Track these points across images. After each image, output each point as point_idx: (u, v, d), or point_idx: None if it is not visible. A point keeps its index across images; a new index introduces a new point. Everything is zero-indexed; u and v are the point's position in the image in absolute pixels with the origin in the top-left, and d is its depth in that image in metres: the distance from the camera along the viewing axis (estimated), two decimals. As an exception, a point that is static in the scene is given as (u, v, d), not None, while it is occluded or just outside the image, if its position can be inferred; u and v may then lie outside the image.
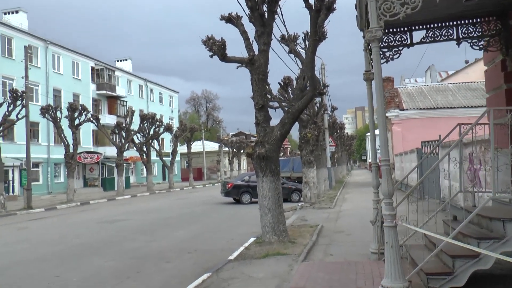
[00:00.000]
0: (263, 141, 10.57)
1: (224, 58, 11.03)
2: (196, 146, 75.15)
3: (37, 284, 8.58)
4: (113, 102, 55.35)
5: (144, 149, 44.10)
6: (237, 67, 11.23)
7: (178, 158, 70.17)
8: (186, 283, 7.80)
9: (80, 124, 32.89)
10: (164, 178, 64.03)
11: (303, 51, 15.04)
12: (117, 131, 39.69)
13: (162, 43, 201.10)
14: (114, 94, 54.28)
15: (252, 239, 11.49)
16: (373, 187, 8.97)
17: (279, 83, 19.75)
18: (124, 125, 39.67)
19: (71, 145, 31.52)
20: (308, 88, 10.74)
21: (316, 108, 24.79)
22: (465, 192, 9.92)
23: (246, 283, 7.33)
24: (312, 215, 17.17)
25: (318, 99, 25.69)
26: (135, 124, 42.66)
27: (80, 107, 32.63)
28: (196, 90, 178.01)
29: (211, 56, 11.17)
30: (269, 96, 19.78)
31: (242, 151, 77.70)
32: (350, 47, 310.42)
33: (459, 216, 9.43)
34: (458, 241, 5.99)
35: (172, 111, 75.65)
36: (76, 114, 32.25)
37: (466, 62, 55.42)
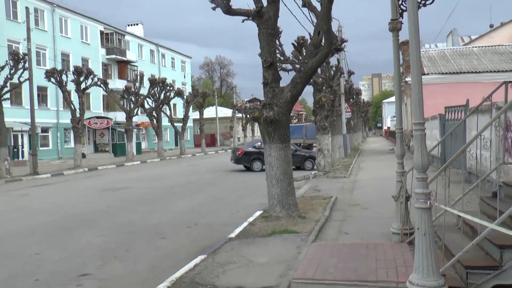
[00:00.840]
0: (272, 103, 9.34)
1: (228, 10, 9.70)
2: (209, 112, 74.18)
3: (12, 263, 7.58)
4: (124, 67, 54.13)
5: (155, 114, 43.02)
6: (243, 21, 9.93)
7: (190, 124, 69.32)
8: (178, 266, 6.73)
9: (86, 88, 31.80)
10: (176, 144, 63.19)
11: (318, 3, 13.58)
12: (126, 96, 38.56)
13: (177, 9, 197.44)
14: (124, 58, 52.94)
15: (258, 213, 10.40)
16: (397, 156, 7.76)
17: (293, 44, 18.31)
18: (133, 89, 38.53)
19: (78, 110, 30.54)
20: (323, 44, 9.41)
21: (332, 72, 23.35)
22: (507, 164, 8.61)
23: (244, 271, 6.22)
24: (325, 184, 16.03)
25: (334, 62, 24.21)
26: (146, 89, 41.48)
27: (86, 71, 31.45)
28: (210, 56, 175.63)
29: (214, 9, 9.88)
30: (282, 58, 18.44)
31: (256, 117, 76.50)
32: (366, 14, 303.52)
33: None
34: (508, 227, 4.76)
35: (184, 77, 74.29)
36: (82, 78, 31.12)
37: (491, 26, 52.73)
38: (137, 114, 39.96)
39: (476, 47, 35.94)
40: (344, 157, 28.28)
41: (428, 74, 29.76)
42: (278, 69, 19.35)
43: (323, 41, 9.68)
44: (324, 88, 20.40)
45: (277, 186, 9.32)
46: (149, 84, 40.42)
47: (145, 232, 9.70)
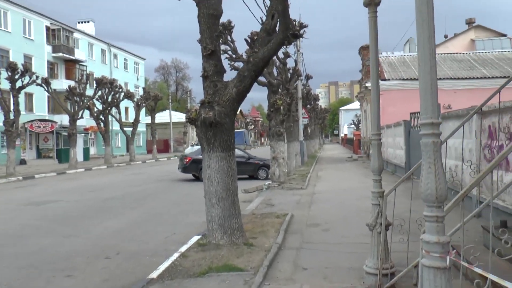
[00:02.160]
0: (212, 101, 7.43)
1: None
2: (164, 117, 71.66)
3: None
4: (71, 66, 50.90)
5: (102, 117, 40.25)
6: (180, -1, 8.00)
7: (143, 129, 66.51)
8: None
9: (23, 87, 28.89)
10: (128, 150, 60.36)
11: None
12: (70, 98, 35.70)
13: (136, 12, 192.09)
14: (72, 57, 49.69)
15: (196, 238, 8.39)
16: (373, 171, 5.99)
17: (246, 40, 16.54)
18: (78, 90, 35.77)
19: (12, 111, 27.67)
20: (278, 30, 7.59)
21: (289, 75, 21.68)
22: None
23: None
24: (280, 198, 14.21)
25: (291, 64, 22.53)
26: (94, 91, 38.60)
27: (21, 67, 28.60)
28: (166, 59, 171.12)
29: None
30: (234, 56, 16.64)
31: (211, 122, 74.51)
32: (325, 25, 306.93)
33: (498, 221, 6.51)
34: None
35: (138, 79, 71.35)
36: (17, 76, 28.24)
37: (446, 36, 53.49)
38: (82, 117, 37.20)
39: (436, 54, 35.15)
40: (301, 166, 26.63)
41: (388, 79, 28.60)
42: (230, 69, 17.55)
43: (278, 27, 7.85)
44: (280, 90, 18.67)
45: (217, 206, 7.39)
46: (95, 85, 37.63)
47: (51, 265, 7.53)
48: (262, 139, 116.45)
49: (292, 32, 7.35)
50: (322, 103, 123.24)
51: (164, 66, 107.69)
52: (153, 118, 52.20)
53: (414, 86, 29.01)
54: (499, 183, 8.69)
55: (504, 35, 50.09)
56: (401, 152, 18.67)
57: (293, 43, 28.23)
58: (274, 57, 20.74)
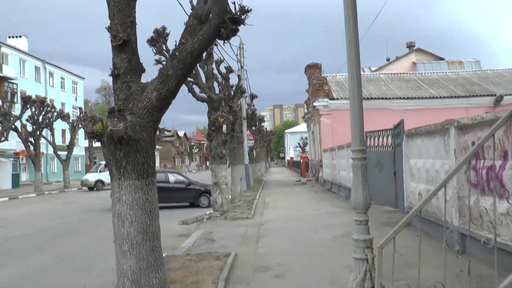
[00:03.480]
0: (124, 108, 5.38)
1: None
2: (104, 140, 68.06)
3: None
4: (-1, 84, 47.09)
5: (32, 140, 36.80)
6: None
7: (82, 152, 62.58)
8: None
9: None
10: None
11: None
12: (-8, 118, 32.39)
13: (78, 31, 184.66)
14: (0, 74, 45.97)
15: (105, 296, 6.23)
16: (356, 207, 4.11)
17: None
18: (2, 109, 32.51)
19: None
20: (212, 14, 5.69)
21: (232, 92, 19.88)
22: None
23: None
24: (222, 230, 12.16)
25: (234, 82, 20.73)
26: (27, 111, 35.21)
27: None
28: (107, 79, 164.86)
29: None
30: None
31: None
32: (270, 46, 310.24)
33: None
34: None
35: (76, 99, 67.54)
36: None
37: (388, 59, 54.31)
38: (7, 139, 33.87)
39: (383, 73, 34.56)
40: (247, 190, 24.68)
41: (337, 98, 27.37)
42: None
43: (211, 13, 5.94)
44: (222, 108, 16.79)
45: (130, 255, 5.27)
46: (22, 103, 34.29)
47: None
48: (208, 163, 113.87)
49: (230, 17, 5.47)
50: (267, 126, 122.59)
51: (105, 87, 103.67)
52: (90, 141, 48.93)
53: (364, 106, 27.81)
54: (490, 213, 7.06)
55: (442, 59, 51.28)
56: (344, 172, 17.09)
57: (236, 60, 26.64)
58: (216, 72, 18.92)
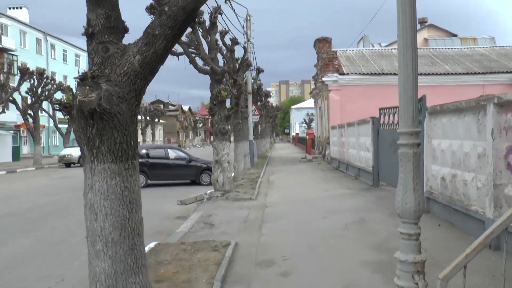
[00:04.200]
0: (99, 75, 4.35)
1: None
2: (107, 113, 67.19)
3: None
4: (-2, 55, 45.97)
5: (31, 112, 35.80)
6: None
7: (83, 125, 61.57)
8: None
9: None
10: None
11: None
12: (-11, 89, 31.37)
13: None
14: (-1, 45, 44.85)
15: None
16: (402, 214, 3.07)
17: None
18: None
19: None
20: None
21: (237, 65, 18.73)
22: None
23: None
24: (223, 213, 11.21)
25: (240, 54, 19.55)
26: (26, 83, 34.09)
27: None
28: None
29: None
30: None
31: (157, 120, 70.71)
32: (276, 23, 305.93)
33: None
34: None
35: (79, 72, 65.49)
36: None
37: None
38: (4, 111, 32.95)
39: (395, 49, 33.14)
40: (251, 168, 23.71)
41: (347, 74, 26.14)
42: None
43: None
44: (225, 80, 15.71)
45: (105, 256, 4.28)
46: (20, 75, 33.19)
47: None
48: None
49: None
50: (273, 101, 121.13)
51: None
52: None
53: (375, 81, 26.86)
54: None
55: (455, 35, 49.81)
56: (367, 154, 16.06)
57: (243, 33, 25.37)
58: (220, 43, 17.77)
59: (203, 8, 14.04)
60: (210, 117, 15.36)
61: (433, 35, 48.67)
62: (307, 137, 44.79)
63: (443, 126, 8.83)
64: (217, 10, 14.24)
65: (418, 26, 50.91)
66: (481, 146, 7.14)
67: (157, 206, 13.62)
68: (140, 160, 18.25)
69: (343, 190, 14.81)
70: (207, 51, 14.53)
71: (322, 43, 28.42)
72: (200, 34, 14.43)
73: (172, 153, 19.54)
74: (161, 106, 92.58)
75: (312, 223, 9.59)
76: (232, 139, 18.58)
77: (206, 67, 14.25)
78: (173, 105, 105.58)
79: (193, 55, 14.40)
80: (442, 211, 8.81)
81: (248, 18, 25.42)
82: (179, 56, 14.41)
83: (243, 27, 25.05)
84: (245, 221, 10.11)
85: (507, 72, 26.54)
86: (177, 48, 14.23)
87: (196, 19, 13.64)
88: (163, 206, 13.57)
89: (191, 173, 19.10)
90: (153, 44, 4.55)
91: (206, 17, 14.25)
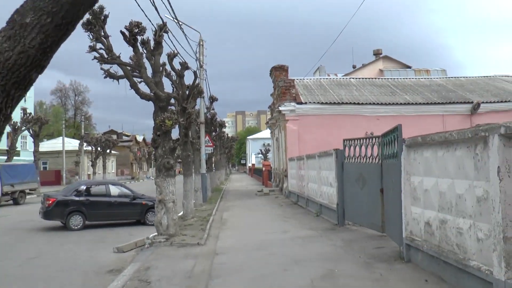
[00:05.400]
0: None
1: None
2: (57, 144, 64.12)
3: None
4: None
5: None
6: None
7: (30, 157, 58.09)
8: None
9: None
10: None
11: None
12: None
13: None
14: None
15: None
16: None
17: (122, 33, 11.86)
18: None
19: None
20: None
21: (187, 92, 17.09)
22: None
23: None
24: (164, 265, 9.33)
25: (189, 81, 17.90)
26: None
27: None
28: (64, 80, 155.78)
29: None
30: (107, 56, 12.03)
31: (109, 151, 67.65)
32: (233, 53, 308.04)
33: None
34: None
35: (25, 100, 62.70)
36: None
37: (354, 67, 53.02)
38: None
39: (353, 78, 32.47)
40: (203, 204, 21.85)
41: (305, 103, 24.93)
42: (103, 75, 12.64)
43: None
44: (173, 108, 14.04)
45: None
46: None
47: None
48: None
49: None
50: (229, 132, 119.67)
51: (61, 89, 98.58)
52: (36, 145, 45.05)
53: (334, 111, 25.70)
54: None
55: (409, 67, 50.20)
56: (330, 189, 14.58)
57: (195, 59, 23.85)
58: (168, 67, 16.19)
59: (147, 25, 12.46)
60: (153, 150, 13.56)
61: (388, 66, 48.82)
62: (264, 169, 43.38)
63: (426, 161, 7.40)
64: (162, 28, 12.61)
65: (373, 58, 51.16)
66: (481, 187, 5.70)
67: (90, 253, 11.66)
68: (77, 198, 16.25)
69: (304, 231, 13.18)
70: (150, 74, 12.86)
71: (279, 71, 27.26)
72: (144, 55, 12.78)
73: (114, 190, 17.47)
74: (114, 136, 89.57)
75: (271, 279, 7.87)
76: (177, 173, 16.78)
77: (150, 93, 12.54)
78: (127, 136, 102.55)
79: (139, 80, 12.69)
80: (428, 262, 7.31)
81: (201, 43, 23.98)
82: (119, 80, 12.64)
83: (196, 53, 23.58)
84: (189, 276, 8.28)
85: (465, 102, 26.06)
86: (118, 70, 12.49)
87: (138, 37, 11.99)
88: (96, 254, 11.58)
89: (135, 212, 17.07)
90: (21, 39, 2.86)
91: (150, 35, 12.62)
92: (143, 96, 12.49)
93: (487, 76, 32.12)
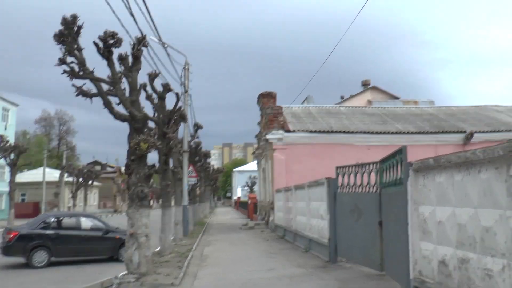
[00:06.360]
0: None
1: None
2: (38, 175, 62.05)
3: None
4: None
5: None
6: None
7: (5, 188, 56.01)
8: None
9: None
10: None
11: None
12: None
13: (33, 61, 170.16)
14: None
15: None
16: None
17: (96, 44, 10.70)
18: None
19: None
20: None
21: (169, 115, 15.92)
22: None
23: None
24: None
25: (170, 102, 16.75)
26: None
27: None
28: (49, 108, 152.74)
29: None
30: (80, 71, 10.89)
31: (91, 182, 65.63)
32: (220, 85, 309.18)
33: None
34: None
35: (6, 128, 60.89)
36: None
37: (342, 97, 52.54)
38: None
39: (343, 106, 31.65)
40: (183, 238, 20.40)
41: (294, 131, 23.84)
42: (75, 93, 11.40)
43: None
44: (149, 130, 12.85)
45: None
46: None
47: None
48: (151, 202, 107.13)
49: None
50: (216, 164, 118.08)
51: (46, 118, 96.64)
52: (13, 175, 43.20)
53: (324, 140, 24.63)
54: None
55: (397, 98, 49.80)
56: (320, 222, 13.33)
57: (180, 83, 22.82)
58: (149, 88, 15.18)
59: (124, 37, 11.33)
60: (126, 177, 12.26)
61: (376, 97, 48.34)
62: (249, 202, 42.01)
63: (439, 188, 6.25)
64: (141, 41, 11.50)
65: (362, 88, 50.77)
66: (516, 218, 4.55)
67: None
68: (43, 231, 14.72)
69: (293, 268, 11.86)
70: (127, 93, 11.72)
71: (267, 98, 26.28)
72: (121, 71, 11.66)
73: (86, 222, 16.02)
74: (99, 167, 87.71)
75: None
76: (155, 204, 15.41)
77: (125, 113, 11.35)
78: (112, 167, 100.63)
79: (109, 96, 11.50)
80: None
81: (187, 67, 22.96)
82: (91, 98, 11.44)
83: (180, 77, 22.56)
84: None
85: (458, 132, 25.26)
86: (92, 88, 11.31)
87: (113, 49, 10.84)
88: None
89: (107, 247, 15.58)
90: None
91: (128, 49, 11.49)
92: (117, 116, 11.29)
93: (478, 106, 31.51)
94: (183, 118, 17.55)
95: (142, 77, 26.48)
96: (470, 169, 5.49)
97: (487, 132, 25.28)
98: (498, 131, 25.20)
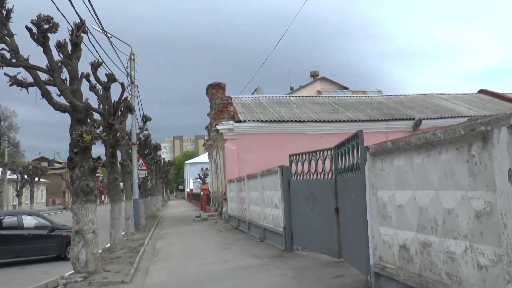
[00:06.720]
0: None
1: None
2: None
3: None
4: None
5: None
6: None
7: None
8: None
9: None
10: None
11: None
12: None
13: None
14: None
15: None
16: None
17: (29, 29, 9.97)
18: None
19: None
20: None
21: (115, 105, 15.26)
22: None
23: None
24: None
25: (116, 93, 16.05)
26: None
27: None
28: None
29: None
30: (12, 58, 10.12)
31: (37, 179, 63.14)
32: (170, 79, 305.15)
33: None
34: None
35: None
36: None
37: (291, 88, 52.81)
38: None
39: (294, 96, 31.57)
40: (135, 232, 19.78)
41: (244, 121, 23.52)
42: (9, 82, 10.65)
43: None
44: (92, 120, 12.18)
45: None
46: None
47: None
48: (103, 197, 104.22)
49: None
50: (167, 157, 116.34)
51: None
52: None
53: (275, 130, 24.41)
54: None
55: (346, 88, 50.34)
56: (275, 211, 13.11)
57: (126, 74, 22.03)
58: (92, 79, 14.45)
59: (62, 24, 10.62)
60: (69, 171, 11.59)
61: (325, 88, 48.67)
62: (202, 193, 41.58)
63: (398, 171, 6.08)
64: (80, 27, 10.84)
65: (311, 79, 51.01)
66: (481, 198, 4.41)
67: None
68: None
69: (248, 259, 11.58)
70: (68, 82, 11.04)
71: (216, 89, 25.80)
72: (61, 59, 10.97)
73: (29, 221, 15.18)
74: (46, 164, 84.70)
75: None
76: (96, 198, 14.76)
77: (65, 102, 10.68)
78: (60, 163, 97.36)
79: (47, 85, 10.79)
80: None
81: (132, 57, 22.20)
82: (28, 88, 10.71)
83: (126, 68, 21.77)
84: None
85: (407, 119, 25.70)
86: (28, 77, 10.57)
87: (49, 34, 10.13)
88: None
89: (54, 246, 14.84)
90: None
91: (66, 35, 10.79)
92: (57, 106, 10.60)
93: (424, 94, 32.18)
94: (130, 109, 16.94)
95: (85, 67, 25.46)
96: (430, 150, 5.32)
97: (434, 118, 25.83)
98: (444, 117, 25.81)
